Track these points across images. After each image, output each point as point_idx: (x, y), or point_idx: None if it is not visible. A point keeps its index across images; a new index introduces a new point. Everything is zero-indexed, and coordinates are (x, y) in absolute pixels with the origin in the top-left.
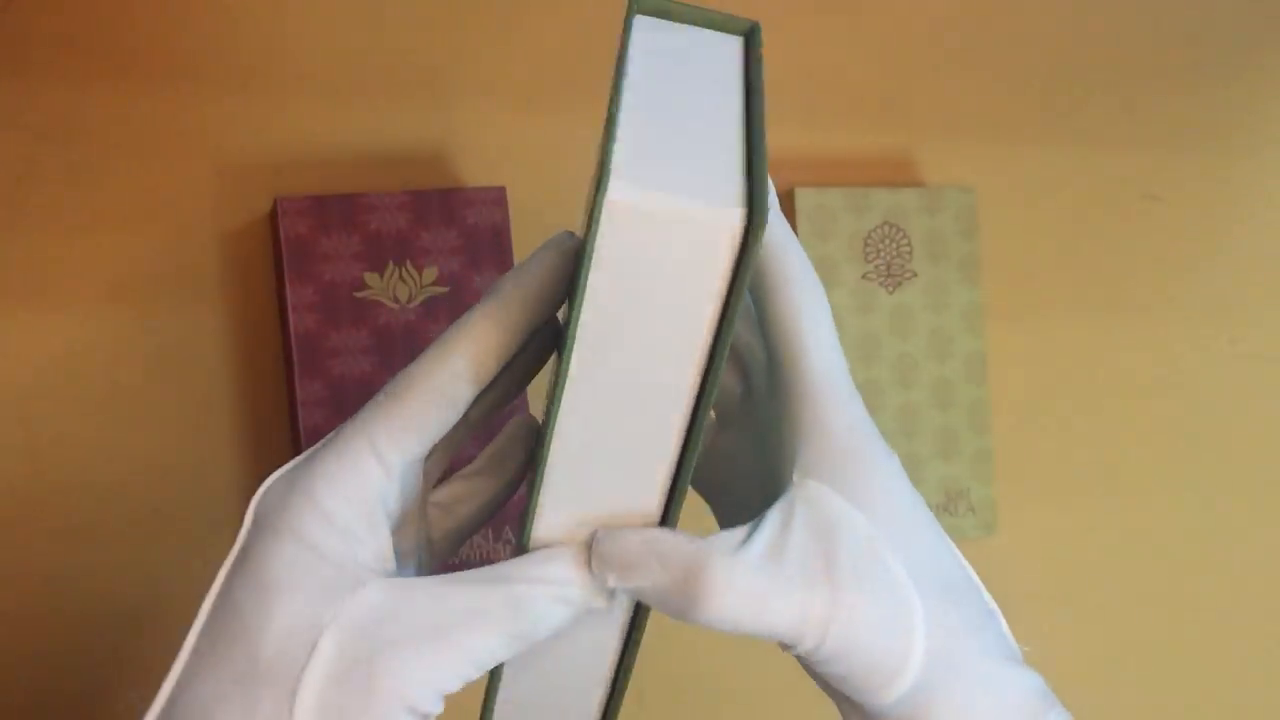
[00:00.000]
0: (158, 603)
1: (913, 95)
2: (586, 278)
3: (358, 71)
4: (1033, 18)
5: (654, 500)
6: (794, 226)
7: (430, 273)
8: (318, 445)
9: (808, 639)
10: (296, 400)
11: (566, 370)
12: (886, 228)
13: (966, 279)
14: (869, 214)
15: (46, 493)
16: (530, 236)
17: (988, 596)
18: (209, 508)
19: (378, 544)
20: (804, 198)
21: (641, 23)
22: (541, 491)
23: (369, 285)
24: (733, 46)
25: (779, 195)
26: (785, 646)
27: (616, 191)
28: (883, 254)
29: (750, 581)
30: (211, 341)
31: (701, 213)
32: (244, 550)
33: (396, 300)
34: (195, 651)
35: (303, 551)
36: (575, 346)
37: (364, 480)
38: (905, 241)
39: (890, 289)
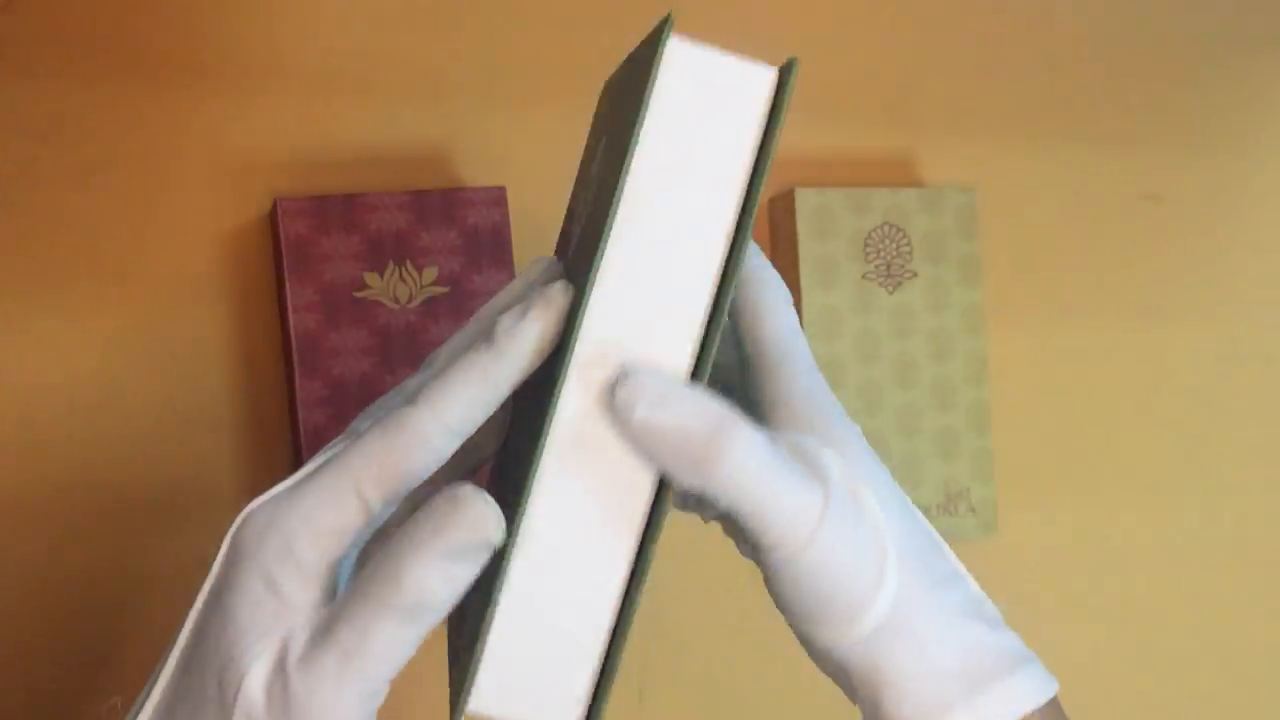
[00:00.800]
0: (157, 602)
1: (913, 95)
2: (640, 130)
3: (358, 71)
4: (1033, 18)
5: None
6: (794, 226)
7: (430, 273)
8: (302, 475)
9: (797, 538)
10: (296, 400)
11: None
12: (886, 228)
13: (966, 279)
14: (869, 214)
15: (46, 493)
16: (530, 236)
17: (953, 556)
18: (209, 508)
19: (331, 579)
20: (804, 198)
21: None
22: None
23: (369, 285)
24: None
25: (778, 195)
26: (762, 550)
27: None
28: (883, 254)
29: (768, 454)
30: (211, 341)
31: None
32: (219, 581)
33: (396, 300)
34: (174, 677)
35: (270, 598)
36: (622, 203)
37: (344, 525)
38: (905, 241)
39: (890, 289)
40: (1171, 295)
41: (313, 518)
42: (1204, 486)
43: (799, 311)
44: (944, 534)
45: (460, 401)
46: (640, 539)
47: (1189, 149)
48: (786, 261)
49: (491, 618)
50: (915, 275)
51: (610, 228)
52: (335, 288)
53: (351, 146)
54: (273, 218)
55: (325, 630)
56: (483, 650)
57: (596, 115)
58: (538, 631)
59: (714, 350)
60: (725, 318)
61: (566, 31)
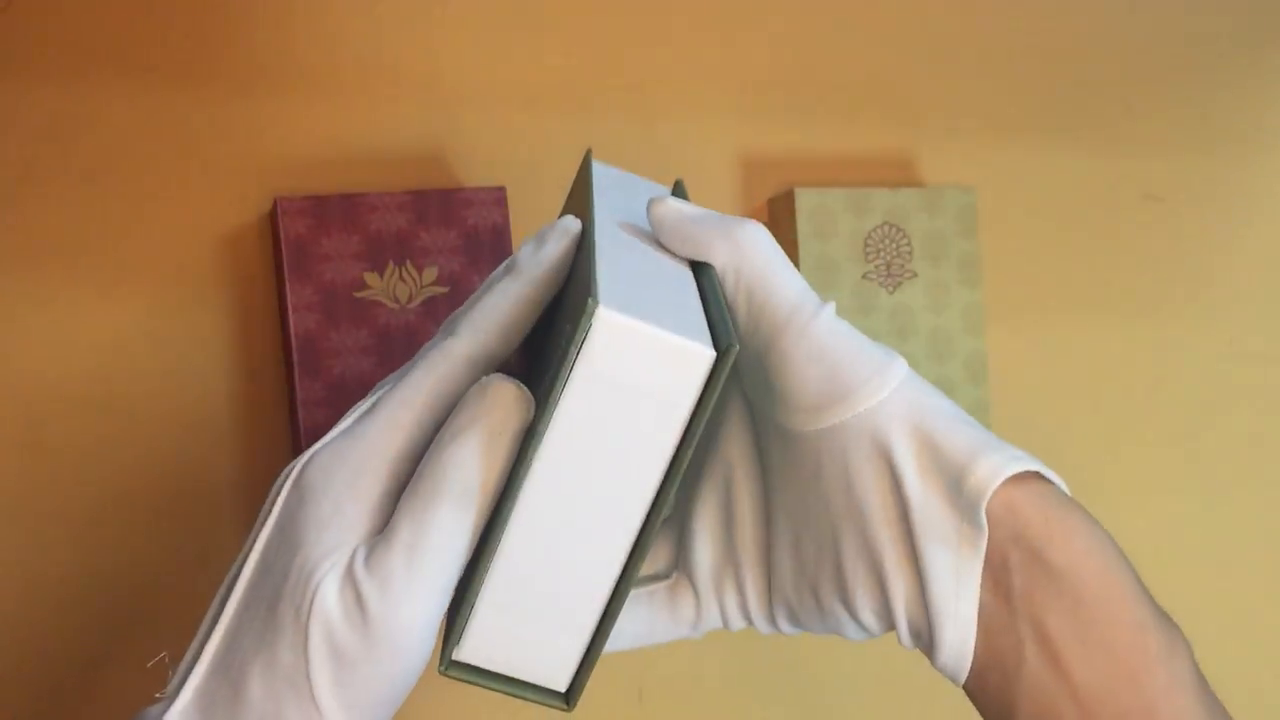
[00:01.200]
0: (157, 602)
1: (913, 95)
2: (562, 389)
3: (358, 71)
4: (1033, 18)
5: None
6: (794, 226)
7: (430, 273)
8: (351, 419)
9: (808, 308)
10: (296, 400)
11: (528, 468)
12: (886, 228)
13: (966, 279)
14: (869, 214)
15: (46, 492)
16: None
17: None
18: (209, 508)
19: (392, 505)
20: (804, 198)
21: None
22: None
23: (369, 285)
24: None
25: (778, 195)
26: (778, 329)
27: (606, 312)
28: (883, 254)
29: (781, 250)
30: (211, 341)
31: (681, 343)
32: (284, 517)
33: (396, 300)
34: (237, 617)
35: (336, 521)
36: (541, 449)
37: (405, 451)
38: (905, 241)
39: (890, 289)
40: (1171, 295)
41: (377, 448)
42: (1204, 486)
43: None
44: None
45: (495, 324)
46: (646, 512)
47: (1189, 149)
48: None
49: (488, 566)
50: (915, 275)
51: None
52: (335, 288)
53: (351, 146)
54: (273, 218)
55: (386, 534)
56: (476, 599)
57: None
58: (534, 588)
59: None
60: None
61: (566, 32)
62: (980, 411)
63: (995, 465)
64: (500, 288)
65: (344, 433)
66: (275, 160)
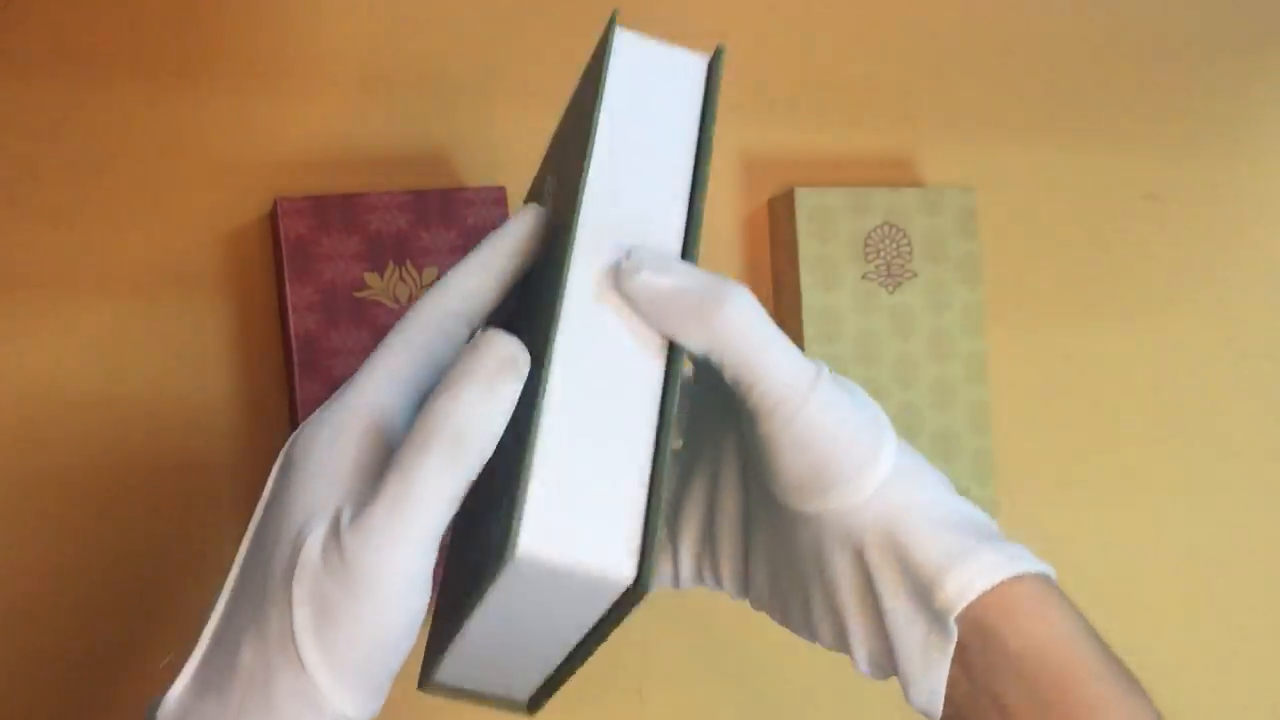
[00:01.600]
0: (157, 601)
1: (913, 95)
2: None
3: (358, 71)
4: (1033, 18)
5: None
6: (794, 226)
7: (430, 273)
8: (342, 387)
9: (796, 392)
10: (296, 400)
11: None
12: (886, 228)
13: (966, 279)
14: (869, 214)
15: (46, 491)
16: None
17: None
18: (209, 508)
19: (381, 456)
20: (804, 198)
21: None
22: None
23: (369, 285)
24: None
25: (778, 195)
26: (760, 416)
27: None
28: (883, 254)
29: (765, 316)
30: (211, 341)
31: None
32: (275, 488)
33: (396, 300)
34: (230, 597)
35: (321, 480)
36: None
37: (385, 407)
38: (905, 241)
39: (890, 289)
40: (1171, 294)
41: (354, 407)
42: (1204, 486)
43: (798, 312)
44: None
45: (457, 288)
46: (662, 391)
47: (1189, 149)
48: (786, 261)
49: (530, 462)
50: (915, 275)
51: (585, 180)
52: (335, 288)
53: (351, 146)
54: (273, 218)
55: (374, 487)
56: (525, 491)
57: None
58: (577, 480)
59: (698, 245)
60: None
61: (566, 32)
62: (980, 412)
63: (965, 582)
64: (464, 259)
65: (326, 403)
66: (275, 160)
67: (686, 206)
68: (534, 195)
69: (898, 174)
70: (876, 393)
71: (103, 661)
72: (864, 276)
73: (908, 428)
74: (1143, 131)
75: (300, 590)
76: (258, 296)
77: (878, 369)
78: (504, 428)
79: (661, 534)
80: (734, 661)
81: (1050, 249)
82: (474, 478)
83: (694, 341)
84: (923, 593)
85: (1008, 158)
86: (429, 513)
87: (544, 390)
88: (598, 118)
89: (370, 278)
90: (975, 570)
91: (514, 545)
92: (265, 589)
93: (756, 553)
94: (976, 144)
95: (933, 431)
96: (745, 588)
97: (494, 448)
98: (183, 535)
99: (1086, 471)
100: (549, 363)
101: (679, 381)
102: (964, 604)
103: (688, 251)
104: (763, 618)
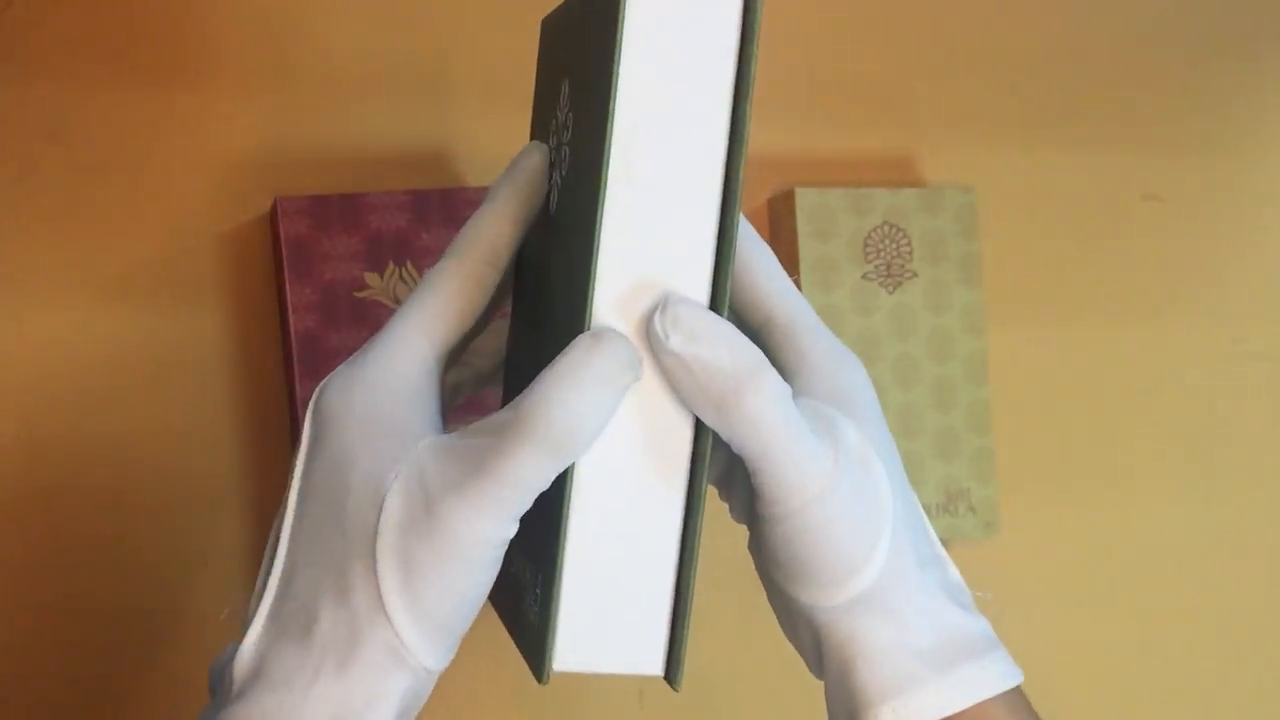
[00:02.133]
0: (157, 601)
1: (913, 95)
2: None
3: (358, 71)
4: (1033, 18)
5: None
6: (794, 226)
7: None
8: (368, 343)
9: (803, 494)
10: (296, 400)
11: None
12: (886, 228)
13: (966, 279)
14: (869, 214)
15: (46, 492)
16: None
17: (937, 541)
18: (209, 508)
19: (429, 410)
20: (804, 198)
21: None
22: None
23: (369, 285)
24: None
25: (778, 195)
26: (764, 501)
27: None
28: (883, 254)
29: (789, 409)
30: (211, 341)
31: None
32: (313, 441)
33: (396, 300)
34: (292, 541)
35: (368, 425)
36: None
37: (413, 355)
38: (905, 241)
39: (890, 289)
40: (1171, 295)
41: (386, 357)
42: (1204, 486)
43: None
44: (944, 534)
45: (475, 240)
46: (690, 468)
47: (1189, 149)
48: (787, 261)
49: (559, 571)
50: (915, 275)
51: (608, 157)
52: (335, 288)
53: (351, 146)
54: (273, 218)
55: (471, 457)
56: (556, 606)
57: (543, 57)
58: (606, 577)
59: (730, 273)
60: (736, 242)
61: None
62: (980, 412)
63: (890, 718)
64: (475, 213)
65: (353, 357)
66: (275, 160)
67: (720, 204)
68: (538, 128)
69: (898, 174)
70: (877, 393)
71: (100, 662)
72: (864, 276)
73: (907, 428)
74: (1143, 131)
75: (385, 548)
76: (258, 296)
77: (878, 369)
78: (613, 413)
79: (688, 631)
80: (734, 662)
81: (1050, 249)
82: (569, 464)
83: (709, 420)
84: (851, 715)
85: (1008, 158)
86: (525, 495)
87: (569, 483)
88: (617, 71)
89: (370, 277)
90: (910, 705)
91: (547, 668)
92: (344, 543)
93: (757, 537)
94: (976, 144)
95: (933, 431)
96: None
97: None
98: (184, 535)
99: (1086, 471)
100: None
101: (708, 458)
102: None
103: (720, 279)
104: (762, 618)
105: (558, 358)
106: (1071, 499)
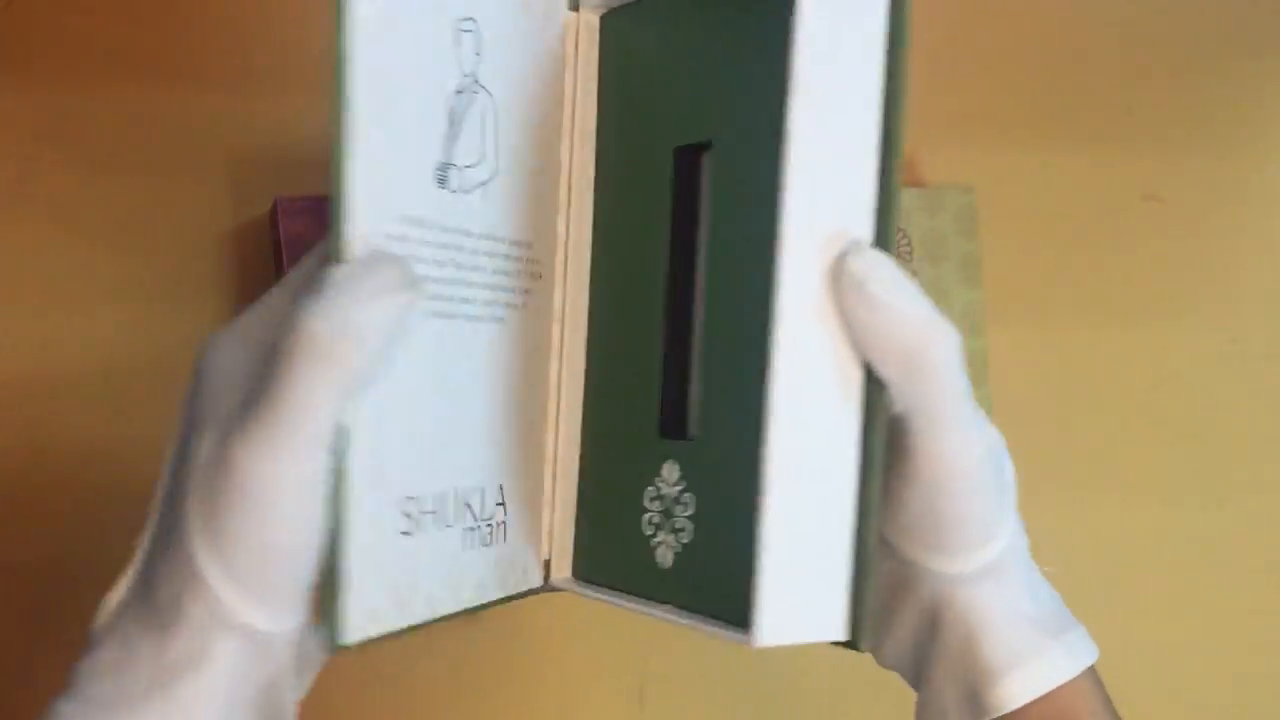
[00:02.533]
0: None
1: (913, 95)
2: None
3: None
4: (1033, 18)
5: None
6: None
7: None
8: (252, 308)
9: (968, 455)
10: None
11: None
12: None
13: (966, 279)
14: None
15: (46, 492)
16: None
17: None
18: None
19: None
20: None
21: None
22: None
23: None
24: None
25: None
26: (919, 456)
27: None
28: None
29: (962, 375)
30: None
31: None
32: (185, 405)
33: None
34: (164, 494)
35: (223, 388)
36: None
37: (278, 309)
38: (905, 241)
39: None
40: (1171, 295)
41: (261, 314)
42: (1204, 486)
43: None
44: None
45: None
46: (864, 422)
47: (1189, 149)
48: None
49: (759, 550)
50: (915, 275)
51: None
52: None
53: None
54: (273, 217)
55: (253, 386)
56: (759, 577)
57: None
58: (799, 541)
59: (894, 224)
60: (899, 193)
61: None
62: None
63: (1019, 687)
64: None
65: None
66: (275, 160)
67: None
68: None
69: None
70: None
71: None
72: None
73: None
74: (1143, 131)
75: (193, 499)
76: (258, 296)
77: None
78: (396, 329)
79: (871, 593)
80: (734, 662)
81: (1050, 249)
82: (367, 380)
83: (887, 373)
84: (973, 687)
85: (1008, 158)
86: (314, 422)
87: (766, 444)
88: (794, 54)
89: None
90: (1031, 672)
91: (755, 633)
92: (175, 498)
93: (888, 498)
94: (976, 144)
95: None
96: None
97: (389, 348)
98: None
99: (1086, 471)
100: (770, 405)
101: (886, 413)
102: (1013, 705)
103: (884, 218)
104: None
105: (325, 275)
106: (1071, 499)
